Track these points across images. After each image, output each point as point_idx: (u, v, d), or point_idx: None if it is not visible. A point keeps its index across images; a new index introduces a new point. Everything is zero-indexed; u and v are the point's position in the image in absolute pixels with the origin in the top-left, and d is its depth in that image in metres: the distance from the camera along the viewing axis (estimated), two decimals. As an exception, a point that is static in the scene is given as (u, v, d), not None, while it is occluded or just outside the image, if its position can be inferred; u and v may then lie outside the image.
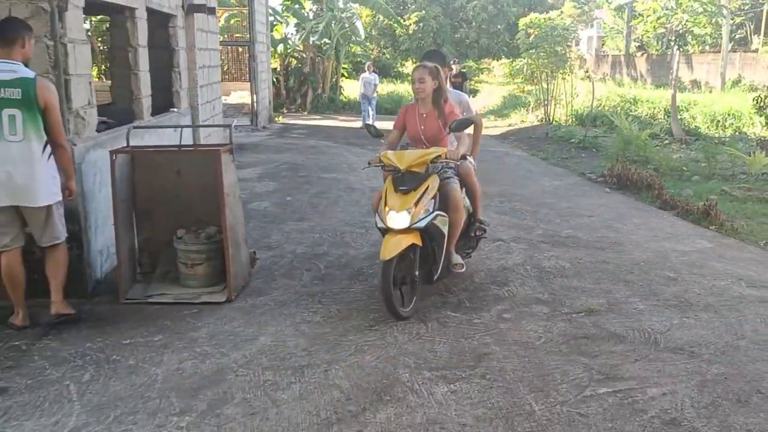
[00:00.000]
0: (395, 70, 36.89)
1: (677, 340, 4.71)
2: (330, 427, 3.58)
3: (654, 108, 20.03)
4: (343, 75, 26.83)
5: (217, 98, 11.38)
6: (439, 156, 5.20)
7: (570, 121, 19.42)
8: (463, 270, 5.54)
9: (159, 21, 8.08)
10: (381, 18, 34.41)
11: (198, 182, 5.55)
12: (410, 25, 38.98)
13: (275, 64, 23.99)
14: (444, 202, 5.29)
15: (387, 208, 5.00)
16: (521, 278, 6.02)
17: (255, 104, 18.12)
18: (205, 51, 9.94)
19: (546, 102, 20.48)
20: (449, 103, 5.58)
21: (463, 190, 5.67)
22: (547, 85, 20.45)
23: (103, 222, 5.66)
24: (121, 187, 5.29)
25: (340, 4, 25.01)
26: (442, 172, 5.45)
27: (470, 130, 5.77)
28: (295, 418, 3.66)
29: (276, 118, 21.42)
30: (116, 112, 7.06)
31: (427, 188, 5.08)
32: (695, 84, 27.74)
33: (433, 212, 5.05)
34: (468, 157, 5.65)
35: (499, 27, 40.47)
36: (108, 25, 10.60)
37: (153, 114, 7.37)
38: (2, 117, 4.43)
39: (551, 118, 19.94)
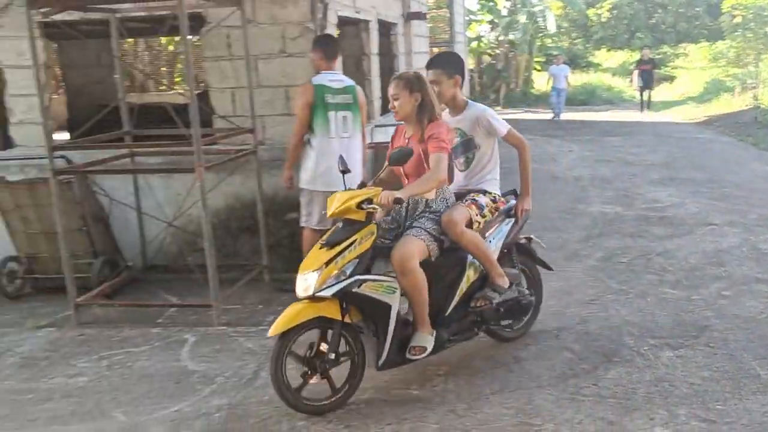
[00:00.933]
0: (585, 59, 36.17)
1: None
2: (566, 380, 4.11)
3: None
4: (535, 68, 26.86)
5: (424, 97, 12.13)
6: (370, 199, 3.80)
7: (782, 104, 18.32)
8: (422, 356, 4.02)
9: (381, 30, 8.93)
10: (572, 10, 33.98)
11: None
12: (603, 13, 38.07)
13: (469, 61, 24.63)
14: None
15: (299, 270, 3.89)
16: (738, 259, 6.18)
17: (453, 101, 18.78)
18: (418, 54, 10.74)
19: (754, 85, 19.44)
20: (435, 122, 4.10)
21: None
22: (756, 67, 19.40)
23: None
24: (368, 178, 6.13)
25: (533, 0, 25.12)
26: (417, 217, 4.13)
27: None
28: (534, 372, 4.24)
29: (471, 114, 22.02)
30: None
31: (353, 243, 3.80)
32: None
33: (352, 276, 3.76)
34: (429, 196, 4.15)
35: (697, 9, 38.43)
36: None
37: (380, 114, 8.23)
38: (338, 118, 5.46)
39: (760, 102, 18.91)
